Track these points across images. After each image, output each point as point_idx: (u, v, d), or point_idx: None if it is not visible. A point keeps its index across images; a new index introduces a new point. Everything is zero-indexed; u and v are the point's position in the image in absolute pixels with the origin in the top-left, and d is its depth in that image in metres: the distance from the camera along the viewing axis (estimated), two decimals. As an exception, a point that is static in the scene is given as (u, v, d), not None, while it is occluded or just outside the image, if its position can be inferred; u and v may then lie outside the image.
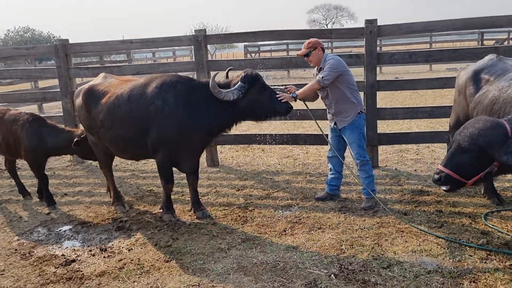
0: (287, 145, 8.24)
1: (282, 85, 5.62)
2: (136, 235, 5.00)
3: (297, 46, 29.32)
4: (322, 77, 5.08)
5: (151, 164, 7.91)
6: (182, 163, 5.24)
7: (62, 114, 8.10)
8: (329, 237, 4.67)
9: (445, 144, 7.60)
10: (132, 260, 4.40)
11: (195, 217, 5.40)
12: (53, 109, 15.39)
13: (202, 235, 4.89)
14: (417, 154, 7.64)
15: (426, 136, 6.92)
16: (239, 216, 5.36)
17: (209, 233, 4.92)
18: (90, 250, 4.67)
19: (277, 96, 4.94)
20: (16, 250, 4.80)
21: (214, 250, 4.52)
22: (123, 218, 5.51)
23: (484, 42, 24.36)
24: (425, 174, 6.60)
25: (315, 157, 7.88)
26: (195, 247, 4.58)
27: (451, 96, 6.02)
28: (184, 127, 4.92)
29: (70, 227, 5.37)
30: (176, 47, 24.93)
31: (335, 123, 5.52)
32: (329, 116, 5.60)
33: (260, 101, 4.89)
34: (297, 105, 5.32)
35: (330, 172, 5.77)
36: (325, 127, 5.75)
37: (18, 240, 5.07)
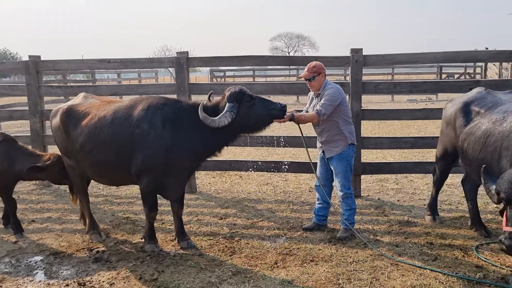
0: (265, 172, 8.09)
1: None
2: (116, 267, 4.63)
3: (263, 73, 29.64)
4: (324, 113, 5.00)
5: (125, 189, 7.53)
6: (167, 190, 4.96)
7: (29, 134, 7.61)
8: (324, 270, 4.48)
9: (425, 175, 7.70)
10: (115, 296, 4.04)
11: (179, 247, 5.09)
12: (11, 128, 14.65)
13: (189, 267, 4.59)
14: (396, 184, 7.64)
15: (409, 166, 6.93)
16: (226, 246, 5.10)
17: (197, 265, 4.63)
18: (67, 285, 4.27)
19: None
20: (-19, 284, 4.33)
21: (205, 284, 4.24)
22: (100, 248, 5.12)
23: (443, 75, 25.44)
24: (408, 204, 6.58)
25: (295, 184, 7.74)
26: (183, 281, 4.28)
27: (431, 127, 6.05)
28: (171, 151, 4.66)
29: (42, 257, 4.93)
30: (140, 69, 24.56)
31: (323, 151, 5.42)
32: (318, 144, 5.50)
33: (253, 113, 4.69)
34: (282, 131, 5.20)
35: (318, 202, 5.63)
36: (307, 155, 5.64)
37: (-18, 272, 4.59)
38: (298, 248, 5.03)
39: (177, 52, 6.90)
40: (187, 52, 6.94)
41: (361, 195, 7.00)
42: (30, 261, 4.84)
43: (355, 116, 6.64)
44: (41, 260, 4.87)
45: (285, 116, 4.85)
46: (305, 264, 4.63)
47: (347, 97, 6.73)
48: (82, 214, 5.82)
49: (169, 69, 46.24)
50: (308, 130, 5.88)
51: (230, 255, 4.88)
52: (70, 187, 5.82)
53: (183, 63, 6.82)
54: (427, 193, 7.07)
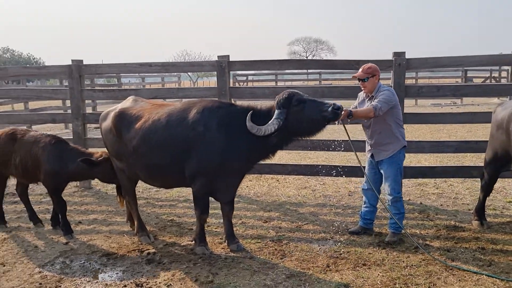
0: (302, 176, 8.09)
1: None
2: (170, 269, 4.67)
3: (289, 77, 29.63)
4: (380, 107, 4.92)
5: (164, 192, 7.60)
6: (219, 192, 4.99)
7: (71, 137, 7.73)
8: (378, 274, 4.46)
9: (465, 179, 7.61)
10: (174, 297, 4.08)
11: (228, 249, 5.11)
12: (45, 130, 14.86)
13: (243, 269, 4.61)
14: (437, 188, 7.55)
15: (452, 171, 6.85)
16: (275, 249, 5.11)
17: (249, 267, 4.65)
18: (125, 286, 4.32)
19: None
20: (40, 284, 4.41)
21: (260, 287, 4.25)
22: (150, 250, 5.17)
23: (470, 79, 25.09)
24: (452, 209, 6.50)
25: (334, 188, 7.71)
26: (239, 284, 4.30)
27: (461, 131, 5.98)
28: (225, 154, 4.69)
29: (95, 258, 5.00)
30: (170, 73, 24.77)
31: (372, 155, 5.37)
32: (367, 147, 5.46)
33: (304, 117, 4.59)
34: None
35: (364, 205, 5.59)
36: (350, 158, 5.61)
37: (40, 272, 4.67)
38: (348, 252, 5.01)
39: (218, 56, 6.94)
40: (228, 56, 6.98)
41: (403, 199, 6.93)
42: (84, 262, 4.91)
43: (398, 120, 6.62)
44: (94, 261, 4.94)
45: (342, 113, 4.76)
46: (357, 268, 4.61)
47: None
48: (129, 216, 5.89)
49: (189, 73, 46.64)
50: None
51: (281, 258, 4.89)
52: (118, 190, 5.90)
53: (224, 66, 6.87)
54: (469, 197, 6.99)
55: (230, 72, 7.03)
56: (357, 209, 6.38)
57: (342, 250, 5.07)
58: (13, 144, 5.54)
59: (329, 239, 5.42)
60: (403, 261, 4.73)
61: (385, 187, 5.30)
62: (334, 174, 6.56)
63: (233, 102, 6.84)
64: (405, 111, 6.67)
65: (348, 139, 5.40)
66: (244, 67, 7.07)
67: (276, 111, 4.61)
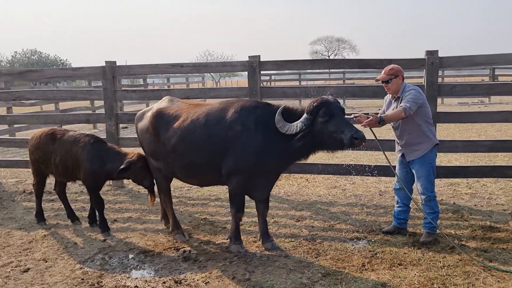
0: (331, 175, 8.09)
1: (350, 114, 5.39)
2: (207, 266, 4.75)
3: (312, 76, 29.52)
4: (410, 107, 4.86)
5: (196, 191, 7.70)
6: (255, 191, 5.05)
7: (105, 136, 7.89)
8: (415, 274, 4.44)
9: (497, 179, 7.49)
10: (213, 294, 4.15)
11: (263, 248, 5.16)
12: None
13: (278, 268, 4.65)
14: (469, 188, 7.45)
15: (486, 170, 6.75)
16: (309, 248, 5.14)
17: (285, 266, 4.69)
18: (164, 282, 4.41)
19: (352, 120, 4.81)
20: (82, 279, 4.53)
21: (297, 285, 4.29)
22: (186, 248, 5.26)
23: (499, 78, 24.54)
24: (486, 209, 6.41)
25: (364, 188, 7.68)
26: (276, 282, 4.34)
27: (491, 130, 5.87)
28: (262, 153, 4.74)
29: (132, 255, 5.11)
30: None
31: (402, 155, 5.35)
32: (397, 147, 5.44)
33: (326, 132, 4.56)
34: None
35: (397, 205, 5.56)
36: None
37: (81, 268, 4.81)
38: (383, 252, 5.00)
39: (249, 56, 6.99)
40: (259, 56, 7.02)
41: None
42: (122, 259, 5.03)
43: (430, 119, 6.56)
44: (132, 258, 5.05)
45: (371, 119, 4.86)
46: (393, 268, 4.61)
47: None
48: (163, 215, 5.99)
49: (211, 74, 46.88)
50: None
51: (316, 257, 4.91)
52: (149, 189, 6.01)
53: (255, 66, 6.92)
54: (503, 198, 6.88)
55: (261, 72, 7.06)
56: (389, 209, 6.36)
57: (377, 249, 5.06)
58: (53, 144, 5.70)
59: (363, 239, 5.42)
60: (440, 261, 4.70)
61: (418, 187, 5.26)
62: (367, 173, 6.54)
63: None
64: (438, 110, 6.62)
65: (375, 138, 5.36)
66: (275, 67, 7.10)
67: (304, 115, 4.62)
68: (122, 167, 5.34)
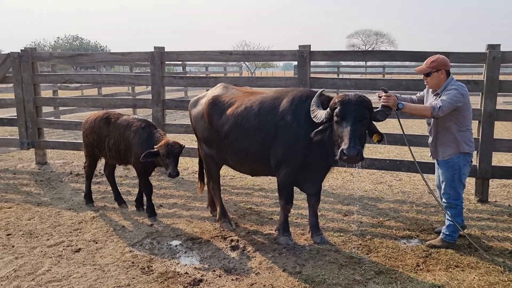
0: (376, 170, 7.89)
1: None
2: (255, 257, 4.68)
3: (347, 70, 29.01)
4: (440, 107, 4.41)
5: (239, 180, 7.66)
6: (305, 183, 4.95)
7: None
8: (474, 277, 4.24)
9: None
10: (264, 285, 4.07)
11: (311, 241, 5.05)
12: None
13: (329, 263, 4.53)
14: (524, 191, 7.12)
15: (547, 172, 6.40)
16: (360, 244, 5.00)
17: (336, 261, 4.57)
18: (214, 270, 4.37)
19: (380, 97, 4.39)
20: (133, 263, 4.55)
21: (350, 281, 4.16)
22: (233, 237, 5.21)
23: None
24: (544, 213, 6.10)
25: (411, 185, 7.45)
26: (328, 276, 4.23)
27: None
28: (311, 144, 4.58)
29: (180, 242, 5.10)
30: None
31: (431, 153, 5.05)
32: (429, 143, 5.08)
33: (334, 133, 4.28)
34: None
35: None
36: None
37: (130, 251, 4.83)
38: (437, 252, 4.81)
39: (299, 45, 6.85)
40: (309, 45, 6.87)
41: (489, 200, 6.59)
42: (170, 244, 5.02)
43: (488, 117, 6.29)
44: (180, 244, 5.04)
45: (389, 98, 4.41)
46: (450, 269, 4.42)
47: (480, 96, 6.40)
48: (210, 202, 5.97)
49: (246, 63, 46.60)
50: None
51: (367, 253, 4.77)
52: (200, 176, 5.99)
53: (306, 56, 6.77)
54: None
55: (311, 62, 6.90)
56: (439, 207, 6.12)
57: (431, 249, 4.87)
58: (107, 127, 5.74)
59: (415, 237, 5.24)
60: (500, 266, 4.47)
61: (442, 190, 4.95)
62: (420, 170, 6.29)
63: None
64: (497, 108, 6.32)
65: (402, 133, 5.06)
66: (325, 58, 6.92)
67: (327, 109, 4.35)
68: (146, 152, 5.21)
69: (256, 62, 56.67)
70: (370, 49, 74.72)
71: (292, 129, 4.64)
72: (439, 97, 4.65)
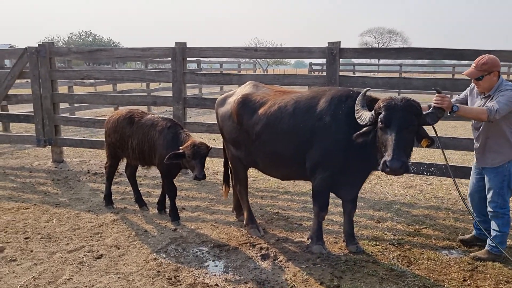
0: (407, 174, 7.53)
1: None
2: (288, 267, 4.37)
3: (361, 68, 28.52)
4: (498, 110, 4.07)
5: (263, 182, 7.37)
6: (342, 189, 4.62)
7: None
8: (529, 295, 3.90)
9: None
10: (302, 300, 3.78)
11: (346, 250, 4.74)
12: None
13: (368, 275, 4.22)
14: None
15: None
16: (399, 255, 4.67)
17: (375, 274, 4.25)
18: (246, 283, 4.07)
19: (435, 102, 3.98)
20: (158, 272, 4.26)
21: (394, 297, 3.84)
22: (262, 244, 4.91)
23: None
24: None
25: (443, 190, 7.10)
26: (369, 292, 3.92)
27: None
28: (351, 147, 4.25)
29: (206, 249, 4.81)
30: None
31: (476, 160, 4.69)
32: (474, 149, 4.73)
33: (377, 138, 3.97)
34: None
35: (475, 214, 4.86)
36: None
37: (155, 259, 4.55)
38: (483, 265, 4.46)
39: (328, 42, 6.53)
40: (339, 42, 6.53)
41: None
42: (196, 252, 4.74)
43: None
44: (207, 251, 4.75)
45: (444, 100, 4.00)
46: (500, 285, 4.08)
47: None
48: (235, 206, 5.68)
49: (258, 60, 46.24)
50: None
51: (407, 266, 4.44)
52: (225, 179, 5.70)
53: (335, 54, 6.44)
54: None
55: (340, 60, 6.57)
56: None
57: (476, 262, 4.53)
58: (130, 127, 5.48)
59: (456, 248, 4.90)
60: (554, 282, 4.13)
61: (488, 199, 4.58)
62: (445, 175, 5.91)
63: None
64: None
65: (435, 134, 4.53)
66: (356, 55, 6.57)
67: (372, 112, 4.01)
68: (172, 153, 4.94)
69: (268, 60, 56.29)
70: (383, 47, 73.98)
71: (331, 131, 4.32)
72: (490, 99, 4.30)
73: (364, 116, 4.03)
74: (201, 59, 21.58)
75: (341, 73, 6.61)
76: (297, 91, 4.86)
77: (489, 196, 4.56)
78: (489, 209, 4.59)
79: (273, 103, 4.65)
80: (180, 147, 5.00)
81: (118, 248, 4.79)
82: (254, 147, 4.78)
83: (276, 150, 4.63)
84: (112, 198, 6.20)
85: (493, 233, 4.57)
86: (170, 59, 7.66)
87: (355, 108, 4.14)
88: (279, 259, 4.55)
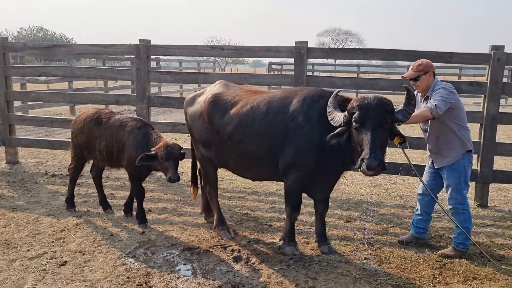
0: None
1: None
2: (262, 270, 4.31)
3: (318, 68, 28.94)
4: (438, 106, 4.26)
5: (229, 182, 7.28)
6: (314, 189, 4.62)
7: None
8: (496, 291, 4.02)
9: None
10: (278, 303, 3.72)
11: (318, 251, 4.74)
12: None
13: (342, 275, 4.22)
14: (519, 195, 7.03)
15: (548, 177, 6.29)
16: (370, 254, 4.71)
17: (349, 274, 4.26)
18: (220, 286, 3.98)
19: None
20: (128, 278, 4.09)
21: (369, 297, 3.86)
22: (234, 246, 4.82)
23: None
24: (546, 219, 5.99)
25: (407, 189, 7.26)
26: (344, 292, 3.92)
27: None
28: (324, 148, 4.23)
29: (177, 252, 4.68)
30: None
31: (432, 162, 4.82)
32: (427, 151, 4.90)
33: (353, 139, 3.97)
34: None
35: (417, 213, 5.00)
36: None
37: (123, 264, 4.37)
38: (451, 262, 4.57)
39: (296, 42, 6.51)
40: (307, 42, 6.54)
41: (488, 205, 6.45)
42: (166, 256, 4.59)
43: (490, 120, 6.13)
44: (177, 255, 4.62)
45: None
46: (469, 282, 4.18)
47: (483, 98, 6.24)
48: (204, 208, 5.57)
49: (217, 59, 45.99)
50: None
51: (379, 265, 4.49)
52: (192, 180, 5.58)
53: (303, 53, 6.44)
54: (560, 206, 6.47)
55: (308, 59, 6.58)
56: (442, 213, 5.92)
57: (445, 260, 4.63)
58: (98, 128, 5.25)
59: (424, 246, 4.99)
60: (519, 278, 4.27)
61: (447, 197, 4.72)
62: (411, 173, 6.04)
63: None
64: (500, 111, 6.17)
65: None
66: (324, 55, 6.59)
67: (345, 112, 4.01)
68: (144, 154, 4.77)
69: (226, 58, 56.07)
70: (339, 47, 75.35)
71: (304, 131, 4.29)
72: (430, 99, 4.48)
73: (337, 117, 4.02)
74: (161, 57, 21.22)
75: (308, 73, 6.61)
76: (269, 91, 4.84)
77: (448, 193, 4.69)
78: (449, 206, 4.71)
79: (245, 103, 4.58)
80: (152, 149, 4.83)
81: (83, 254, 4.57)
82: (226, 148, 4.69)
83: (248, 150, 4.55)
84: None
85: (457, 230, 4.68)
86: (133, 56, 7.43)
87: (327, 110, 4.12)
88: (252, 261, 4.48)
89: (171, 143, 4.83)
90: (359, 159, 3.76)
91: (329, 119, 4.06)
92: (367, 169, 3.68)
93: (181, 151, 4.89)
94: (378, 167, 3.67)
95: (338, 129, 4.00)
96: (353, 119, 3.88)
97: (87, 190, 6.66)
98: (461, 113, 4.57)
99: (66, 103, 8.66)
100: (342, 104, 4.20)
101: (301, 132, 4.30)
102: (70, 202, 5.75)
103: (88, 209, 5.89)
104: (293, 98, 4.42)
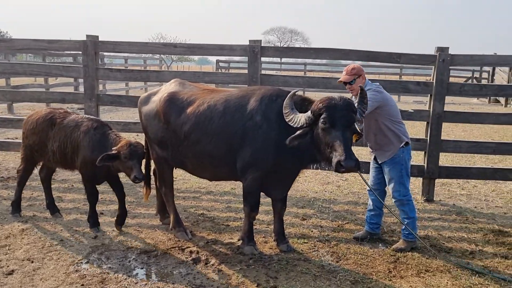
0: (320, 170, 7.78)
1: None
2: (222, 270, 4.27)
3: (265, 66, 29.12)
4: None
5: (182, 182, 7.16)
6: (273, 188, 4.62)
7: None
8: (447, 282, 4.20)
9: (486, 181, 7.47)
10: (241, 304, 3.69)
11: (277, 250, 4.75)
12: (25, 109, 13.99)
13: (302, 273, 4.26)
14: (462, 189, 7.40)
15: (489, 173, 6.64)
16: (327, 251, 4.79)
17: (308, 271, 4.30)
18: (181, 290, 3.89)
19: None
20: (82, 285, 3.92)
21: (329, 294, 3.91)
22: (192, 248, 4.74)
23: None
24: (487, 211, 6.34)
25: (358, 185, 7.44)
26: (305, 290, 3.95)
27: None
28: (282, 147, 4.24)
29: (133, 256, 4.53)
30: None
31: (375, 157, 5.04)
32: (369, 148, 5.12)
33: (321, 140, 3.97)
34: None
35: (369, 208, 5.19)
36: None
37: (77, 271, 4.17)
38: (404, 256, 4.73)
39: (249, 40, 6.49)
40: (260, 40, 6.56)
41: (434, 199, 6.75)
42: (122, 260, 4.44)
43: (436, 118, 6.40)
44: (134, 259, 4.47)
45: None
46: (422, 274, 4.35)
47: (429, 97, 6.50)
48: (159, 209, 5.45)
49: (163, 57, 45.22)
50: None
51: (337, 261, 4.57)
52: (145, 181, 5.40)
53: (257, 52, 6.43)
54: (499, 200, 6.89)
55: (261, 58, 6.58)
56: (393, 208, 6.10)
57: (398, 253, 4.78)
58: (51, 129, 4.97)
59: (378, 241, 5.14)
60: (468, 269, 4.48)
61: (390, 190, 4.95)
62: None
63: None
64: (445, 109, 6.46)
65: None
66: (278, 54, 6.62)
67: (308, 112, 4.04)
68: (105, 154, 4.59)
69: (172, 56, 55.21)
70: (285, 46, 76.32)
71: (262, 131, 4.28)
72: None
73: (297, 119, 4.02)
74: (105, 53, 20.55)
75: (262, 71, 6.62)
76: (226, 89, 4.76)
77: (391, 187, 4.88)
78: (394, 199, 4.90)
79: (202, 102, 4.50)
80: (114, 148, 4.64)
81: (32, 262, 4.32)
82: (182, 148, 4.59)
83: (206, 150, 4.48)
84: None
85: (404, 222, 4.86)
86: (76, 52, 7.12)
87: (284, 111, 4.11)
88: (211, 263, 4.42)
89: (134, 141, 4.67)
90: (335, 161, 3.76)
91: (286, 120, 4.06)
92: (344, 170, 3.74)
93: (144, 150, 4.75)
94: (355, 167, 3.75)
95: (300, 131, 4.00)
96: (321, 120, 3.89)
97: (32, 194, 6.32)
98: (391, 109, 4.77)
99: (7, 101, 8.12)
100: (301, 103, 4.23)
101: (259, 132, 4.29)
102: (16, 206, 5.42)
103: (35, 214, 5.58)
104: (250, 97, 4.40)
